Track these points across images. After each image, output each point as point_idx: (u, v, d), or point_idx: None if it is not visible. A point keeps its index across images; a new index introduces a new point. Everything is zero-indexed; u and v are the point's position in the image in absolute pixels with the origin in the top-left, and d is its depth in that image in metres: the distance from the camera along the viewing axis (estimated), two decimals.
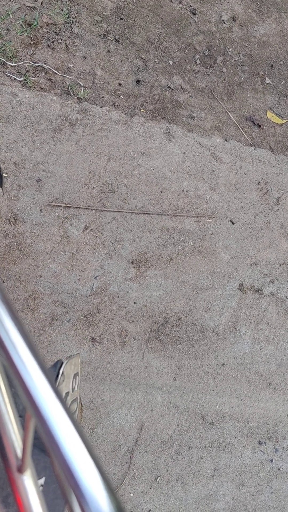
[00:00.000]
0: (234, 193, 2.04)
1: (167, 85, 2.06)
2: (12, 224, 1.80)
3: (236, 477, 1.90)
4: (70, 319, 1.80)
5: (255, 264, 2.03)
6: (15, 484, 0.58)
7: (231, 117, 2.11)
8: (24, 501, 0.57)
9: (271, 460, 1.96)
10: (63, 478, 0.41)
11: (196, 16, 2.13)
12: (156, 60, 2.06)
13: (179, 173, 1.99)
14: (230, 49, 2.16)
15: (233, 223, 2.02)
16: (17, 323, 0.52)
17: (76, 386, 1.13)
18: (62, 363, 1.04)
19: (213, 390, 1.91)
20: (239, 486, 1.90)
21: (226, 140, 2.08)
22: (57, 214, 1.84)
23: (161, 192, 1.96)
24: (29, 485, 0.58)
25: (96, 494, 0.40)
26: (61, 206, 1.85)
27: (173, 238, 1.94)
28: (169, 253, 1.93)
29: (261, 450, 1.95)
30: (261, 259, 2.05)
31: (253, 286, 2.02)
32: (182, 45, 2.10)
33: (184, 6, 2.12)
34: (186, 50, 2.10)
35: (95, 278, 1.84)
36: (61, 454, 0.42)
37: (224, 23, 2.17)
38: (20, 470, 0.58)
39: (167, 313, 1.89)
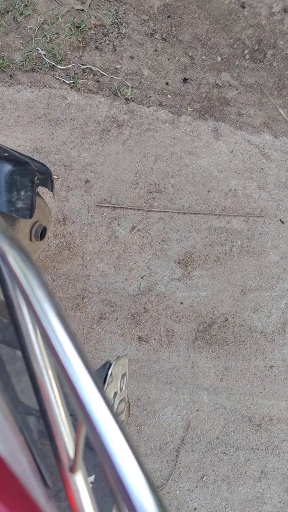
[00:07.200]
0: (284, 191, 1.99)
1: (215, 82, 2.03)
2: (62, 225, 1.85)
3: (284, 481, 1.87)
4: (117, 318, 1.83)
5: None
6: (67, 482, 0.61)
7: (282, 113, 2.05)
8: (76, 498, 0.60)
9: None
10: (113, 484, 0.44)
11: (246, 9, 2.08)
12: (204, 57, 2.03)
13: (226, 172, 1.97)
14: (281, 42, 2.09)
15: (282, 223, 1.97)
16: (71, 335, 0.53)
17: (124, 386, 1.15)
18: (110, 365, 1.06)
19: (260, 392, 1.88)
20: (287, 490, 1.87)
21: (276, 137, 2.03)
22: (105, 214, 1.87)
23: (208, 191, 1.94)
24: (81, 484, 0.61)
25: (144, 502, 0.42)
26: (109, 206, 1.88)
27: (220, 238, 1.92)
28: (216, 253, 1.91)
29: None
30: None
31: None
32: (231, 41, 2.06)
33: (233, 0, 2.08)
34: (235, 46, 2.06)
35: (142, 278, 1.86)
36: (111, 463, 0.45)
37: (275, 15, 2.10)
38: (72, 470, 0.61)
39: (214, 314, 1.88)
